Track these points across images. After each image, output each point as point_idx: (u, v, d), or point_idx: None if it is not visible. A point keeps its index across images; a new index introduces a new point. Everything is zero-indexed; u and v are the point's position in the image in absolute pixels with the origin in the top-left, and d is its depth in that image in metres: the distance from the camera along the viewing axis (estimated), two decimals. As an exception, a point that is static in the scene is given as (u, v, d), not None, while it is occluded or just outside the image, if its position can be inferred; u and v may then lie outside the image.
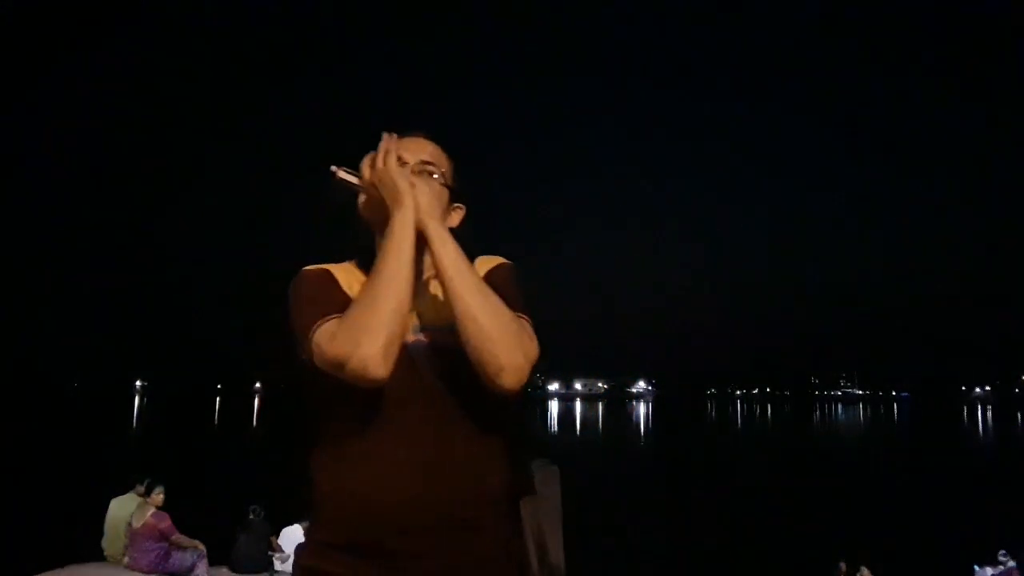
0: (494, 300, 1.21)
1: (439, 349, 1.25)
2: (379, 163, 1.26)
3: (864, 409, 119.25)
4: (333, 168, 1.34)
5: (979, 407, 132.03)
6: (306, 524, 7.65)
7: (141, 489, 6.92)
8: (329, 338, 1.17)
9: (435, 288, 1.31)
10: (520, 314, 1.25)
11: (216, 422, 51.53)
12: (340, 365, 1.15)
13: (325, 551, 1.21)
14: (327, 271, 1.34)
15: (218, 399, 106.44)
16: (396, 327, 1.17)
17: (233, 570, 7.19)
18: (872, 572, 7.77)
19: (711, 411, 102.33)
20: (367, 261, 1.31)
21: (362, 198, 1.36)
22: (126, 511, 6.67)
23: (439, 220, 1.27)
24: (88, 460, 20.06)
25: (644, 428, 55.67)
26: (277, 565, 7.43)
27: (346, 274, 1.34)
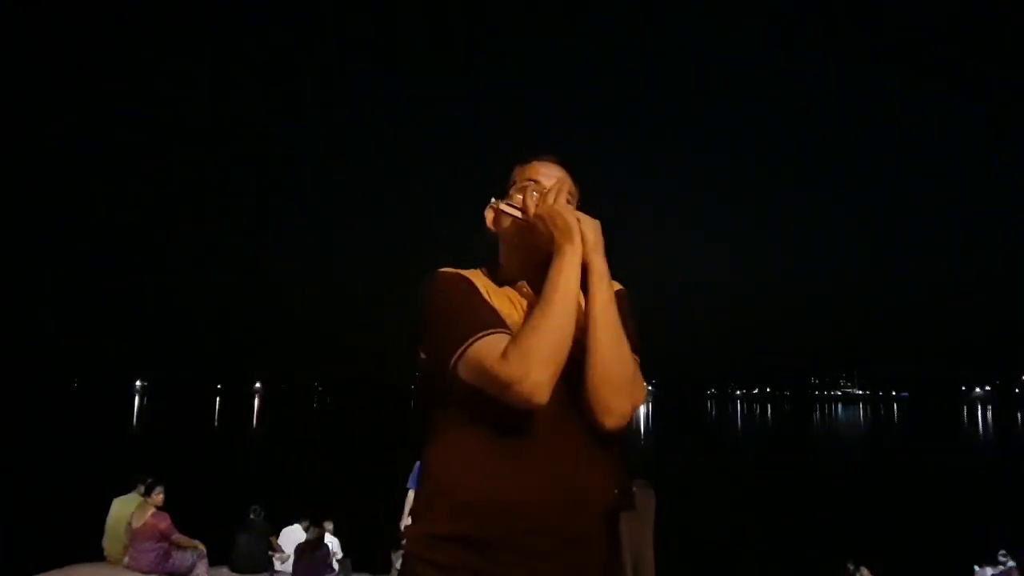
0: (624, 346, 1.31)
1: (571, 361, 1.28)
2: (550, 200, 1.35)
3: (864, 409, 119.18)
4: (494, 201, 1.47)
5: (979, 407, 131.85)
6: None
7: (141, 489, 6.91)
8: (497, 357, 1.22)
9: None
10: (635, 355, 1.34)
11: (216, 422, 51.48)
12: (505, 386, 1.21)
13: (440, 544, 1.25)
14: (468, 278, 1.39)
15: (218, 399, 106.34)
16: (563, 358, 1.24)
17: (233, 570, 7.19)
18: (872, 572, 7.77)
19: (711, 411, 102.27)
20: (495, 273, 1.46)
21: (489, 215, 1.49)
22: (126, 511, 6.65)
23: (602, 256, 1.35)
24: (88, 460, 20.05)
25: (644, 428, 55.65)
26: (277, 565, 7.44)
27: (482, 283, 1.40)
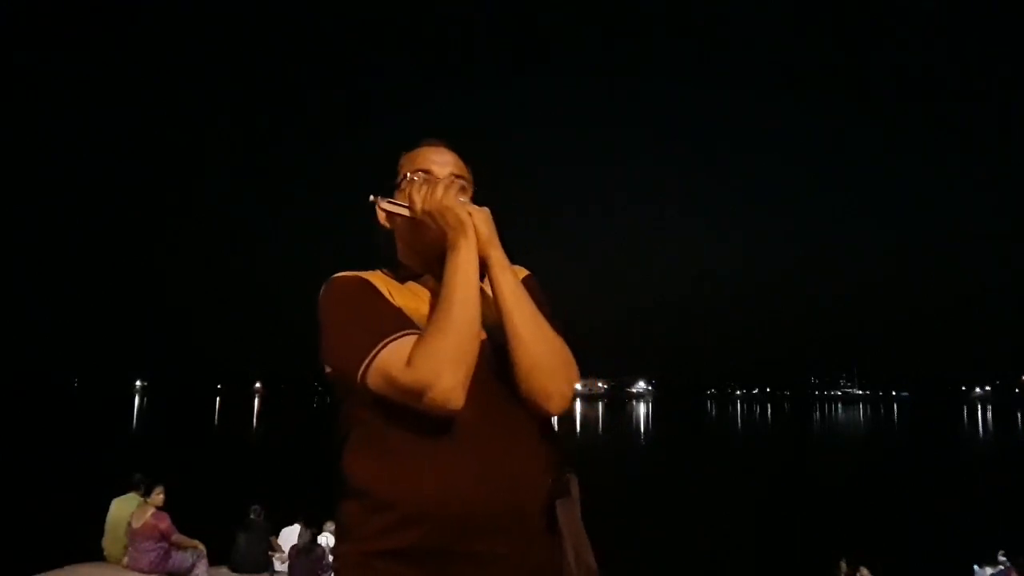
0: (546, 329, 1.27)
1: (494, 350, 1.25)
2: (439, 196, 1.27)
3: (864, 409, 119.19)
4: (373, 198, 1.38)
5: (979, 407, 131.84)
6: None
7: (141, 489, 6.91)
8: (403, 364, 1.16)
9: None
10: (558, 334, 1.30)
11: (216, 422, 51.50)
12: (416, 394, 1.14)
13: (382, 562, 1.17)
14: (367, 280, 1.32)
15: (218, 399, 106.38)
16: (473, 357, 1.19)
17: (233, 570, 7.20)
18: (872, 572, 7.77)
19: (711, 411, 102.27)
20: (395, 270, 1.37)
21: (381, 213, 1.40)
22: (126, 511, 6.66)
23: (498, 247, 1.30)
24: (88, 460, 20.05)
25: (644, 428, 55.65)
26: (277, 565, 7.43)
27: (383, 283, 1.32)
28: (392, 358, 1.17)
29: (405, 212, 1.32)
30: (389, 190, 1.41)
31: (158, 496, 6.78)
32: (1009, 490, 18.51)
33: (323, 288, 1.31)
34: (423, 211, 1.28)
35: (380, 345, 1.19)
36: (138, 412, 61.84)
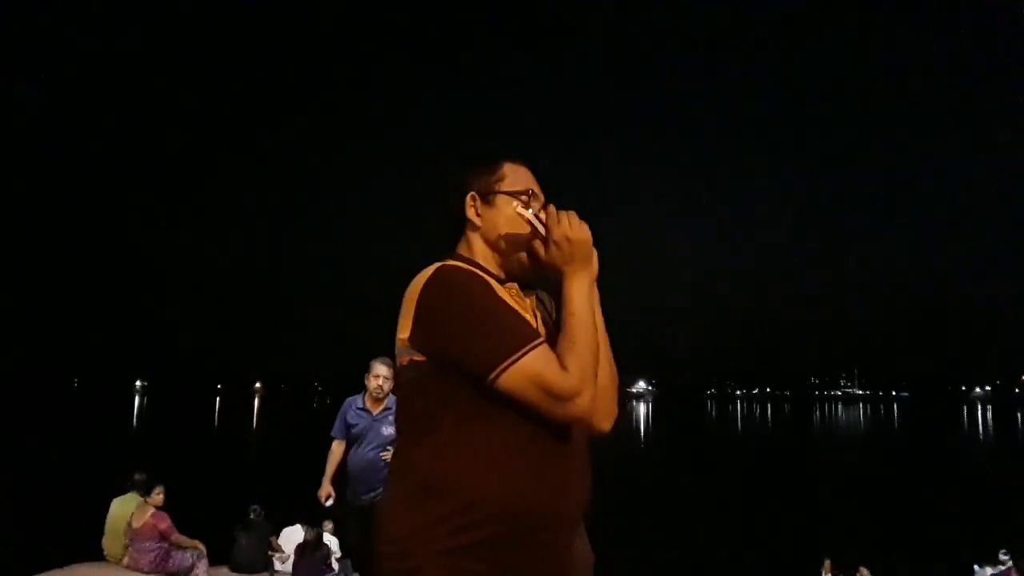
0: (611, 357, 1.42)
1: None
2: (576, 227, 1.35)
3: (864, 409, 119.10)
4: (517, 206, 1.40)
5: (979, 407, 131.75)
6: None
7: (141, 489, 6.91)
8: (558, 370, 1.23)
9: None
10: None
11: (216, 422, 51.47)
12: (564, 400, 1.23)
13: (465, 556, 1.21)
14: (485, 278, 1.34)
15: (218, 399, 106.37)
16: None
17: (233, 570, 7.19)
18: (871, 572, 7.77)
19: (711, 411, 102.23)
20: (476, 267, 1.38)
21: (471, 210, 1.42)
22: (126, 511, 6.65)
23: (595, 283, 1.43)
24: (88, 460, 20.03)
25: (644, 428, 55.63)
26: (277, 565, 7.43)
27: (493, 283, 1.36)
28: (546, 360, 1.23)
29: (541, 230, 1.38)
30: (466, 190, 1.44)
31: (158, 496, 6.78)
32: (1009, 490, 18.51)
33: (437, 276, 1.30)
34: (564, 237, 1.34)
35: (529, 346, 1.23)
36: (138, 412, 61.78)
